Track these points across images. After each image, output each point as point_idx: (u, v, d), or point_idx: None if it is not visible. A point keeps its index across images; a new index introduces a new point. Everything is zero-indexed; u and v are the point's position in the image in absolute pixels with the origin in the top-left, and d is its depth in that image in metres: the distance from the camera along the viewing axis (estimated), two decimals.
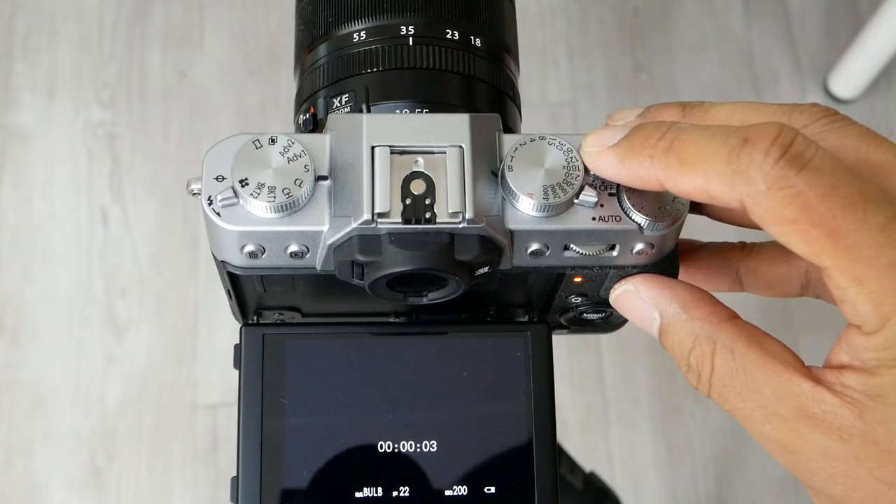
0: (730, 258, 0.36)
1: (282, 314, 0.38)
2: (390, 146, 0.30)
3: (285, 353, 0.35)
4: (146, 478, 1.11)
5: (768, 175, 0.25)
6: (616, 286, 0.33)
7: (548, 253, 0.31)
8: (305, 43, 0.37)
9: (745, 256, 0.35)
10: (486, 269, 0.31)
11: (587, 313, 0.37)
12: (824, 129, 0.28)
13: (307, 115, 0.36)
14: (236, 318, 0.38)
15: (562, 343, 1.05)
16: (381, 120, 0.31)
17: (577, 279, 0.34)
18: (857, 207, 0.25)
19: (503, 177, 0.30)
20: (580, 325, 0.39)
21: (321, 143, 0.30)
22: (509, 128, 0.36)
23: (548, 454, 0.35)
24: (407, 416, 0.35)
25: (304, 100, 0.36)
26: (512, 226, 0.30)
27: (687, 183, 0.27)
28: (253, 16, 1.30)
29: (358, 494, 0.34)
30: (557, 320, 0.38)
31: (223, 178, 0.30)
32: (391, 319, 0.38)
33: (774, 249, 0.35)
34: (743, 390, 0.28)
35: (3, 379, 1.13)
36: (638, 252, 0.31)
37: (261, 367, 0.35)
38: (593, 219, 0.30)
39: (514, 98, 0.37)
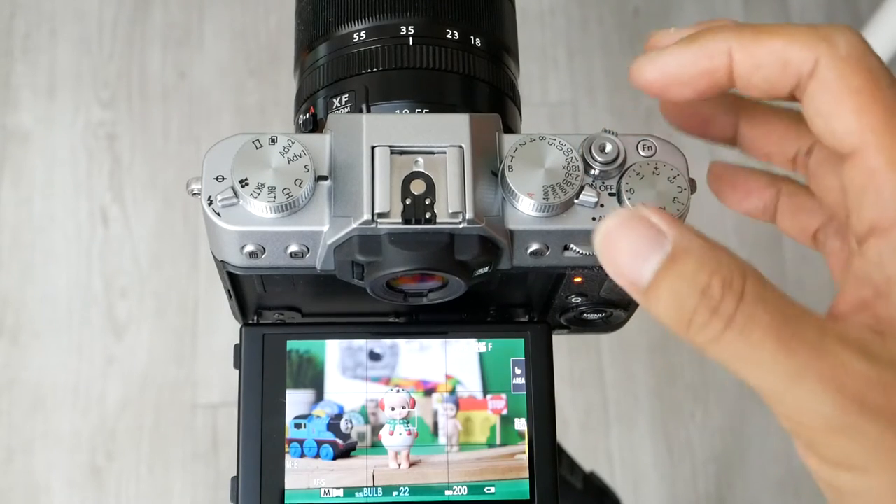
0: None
1: (282, 314, 0.38)
2: (390, 146, 0.30)
3: (285, 353, 0.35)
4: (146, 478, 1.10)
5: (850, 41, 0.26)
6: (609, 216, 0.27)
7: (548, 253, 0.31)
8: (305, 43, 0.37)
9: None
10: (486, 269, 0.31)
11: (587, 313, 0.37)
12: None
13: (307, 115, 0.36)
14: (236, 318, 0.38)
15: (562, 343, 1.05)
16: (381, 120, 0.31)
17: (577, 279, 0.34)
18: None
19: (503, 177, 0.30)
20: (580, 325, 0.39)
21: (321, 143, 0.30)
22: (509, 128, 0.36)
23: (548, 454, 0.35)
24: None
25: (304, 100, 0.36)
26: (512, 226, 0.30)
27: (765, 46, 0.27)
28: (253, 16, 1.30)
29: (358, 494, 0.34)
30: (557, 320, 0.38)
31: (223, 178, 0.30)
32: (391, 319, 0.38)
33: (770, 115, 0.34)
34: (779, 319, 0.25)
35: (3, 379, 1.13)
36: None
37: (261, 367, 0.35)
38: (593, 219, 0.30)
39: (514, 98, 0.37)
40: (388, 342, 0.35)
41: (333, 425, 0.34)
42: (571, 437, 1.13)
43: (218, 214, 0.30)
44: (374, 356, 0.35)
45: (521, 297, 0.37)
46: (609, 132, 0.31)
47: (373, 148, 0.30)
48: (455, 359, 0.35)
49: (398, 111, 0.34)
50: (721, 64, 0.28)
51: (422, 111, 0.34)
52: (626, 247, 0.26)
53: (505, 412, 0.35)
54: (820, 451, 0.26)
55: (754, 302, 0.25)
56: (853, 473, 0.25)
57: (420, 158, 0.30)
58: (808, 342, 0.25)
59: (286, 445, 0.34)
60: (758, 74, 0.28)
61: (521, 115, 0.38)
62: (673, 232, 0.26)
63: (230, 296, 0.35)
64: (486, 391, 0.35)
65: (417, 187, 0.30)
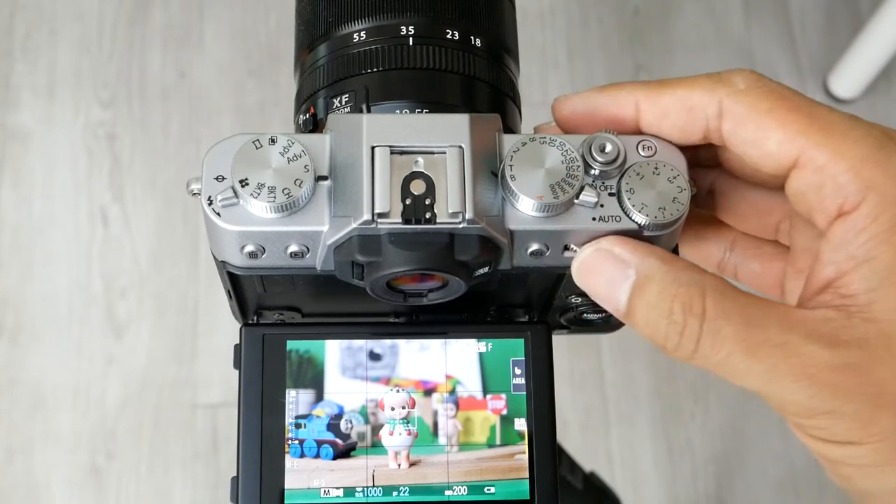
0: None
1: (282, 314, 0.38)
2: (390, 146, 0.30)
3: (285, 353, 0.35)
4: (146, 478, 1.10)
5: (748, 77, 0.29)
6: (581, 249, 0.30)
7: (548, 253, 0.31)
8: (305, 43, 0.37)
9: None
10: (486, 269, 0.31)
11: (587, 313, 0.37)
12: None
13: (307, 115, 0.36)
14: (236, 318, 0.38)
15: (562, 343, 1.05)
16: (381, 120, 0.31)
17: None
18: (823, 106, 0.28)
19: (503, 177, 0.30)
20: (580, 325, 0.39)
21: (321, 143, 0.31)
22: (509, 128, 0.36)
23: (548, 454, 0.35)
24: None
25: (304, 100, 0.36)
26: (512, 226, 0.30)
27: (668, 95, 0.29)
28: (253, 16, 1.30)
29: (358, 494, 0.34)
30: (557, 320, 0.38)
31: (223, 179, 0.30)
32: (391, 319, 0.38)
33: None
34: (742, 330, 0.27)
35: (3, 379, 1.13)
36: None
37: (261, 367, 0.35)
38: (593, 219, 0.30)
39: (514, 98, 0.37)
40: (388, 342, 0.35)
41: (333, 425, 0.34)
42: (571, 437, 1.13)
43: (218, 214, 0.30)
44: (374, 356, 0.35)
45: (521, 297, 0.37)
46: (609, 132, 0.31)
47: (373, 148, 0.30)
48: (455, 359, 0.35)
49: (398, 111, 0.34)
50: (627, 114, 0.31)
51: (422, 111, 0.34)
52: (600, 278, 0.30)
53: (505, 412, 0.35)
54: (810, 432, 0.28)
55: (716, 318, 0.27)
56: (842, 447, 0.27)
57: (420, 158, 0.30)
58: (774, 343, 0.27)
59: (286, 445, 0.34)
60: (666, 122, 0.30)
61: (521, 115, 0.38)
62: (635, 260, 0.29)
63: (230, 296, 0.35)
64: (485, 391, 0.35)
65: (417, 187, 0.30)
